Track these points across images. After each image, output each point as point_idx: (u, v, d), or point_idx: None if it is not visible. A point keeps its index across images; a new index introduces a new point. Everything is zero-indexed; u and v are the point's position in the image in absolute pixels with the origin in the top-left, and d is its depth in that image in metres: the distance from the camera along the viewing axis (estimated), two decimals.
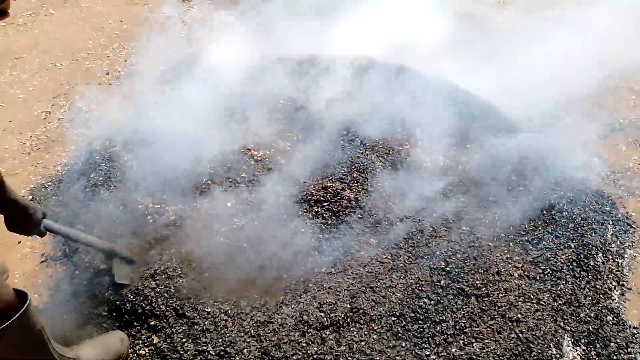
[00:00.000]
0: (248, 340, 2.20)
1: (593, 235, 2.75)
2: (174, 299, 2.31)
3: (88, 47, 4.35)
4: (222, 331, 2.22)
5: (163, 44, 4.30)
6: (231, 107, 3.40)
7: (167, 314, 2.28)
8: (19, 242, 2.74)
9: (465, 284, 2.45)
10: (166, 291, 2.34)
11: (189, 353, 2.19)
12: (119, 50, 4.33)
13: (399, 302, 2.36)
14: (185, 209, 2.70)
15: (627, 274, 2.71)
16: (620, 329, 2.45)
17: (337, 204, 2.75)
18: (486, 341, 2.28)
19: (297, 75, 3.70)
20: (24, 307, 1.72)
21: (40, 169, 3.19)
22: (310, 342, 2.20)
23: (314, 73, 3.70)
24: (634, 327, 2.47)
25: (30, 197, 2.97)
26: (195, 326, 2.25)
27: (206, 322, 2.25)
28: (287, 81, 3.61)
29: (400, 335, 2.28)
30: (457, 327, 2.32)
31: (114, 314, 2.36)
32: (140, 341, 2.28)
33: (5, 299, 1.72)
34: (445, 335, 2.29)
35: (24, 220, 1.88)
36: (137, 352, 2.27)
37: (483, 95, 3.69)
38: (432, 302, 2.38)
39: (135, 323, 2.31)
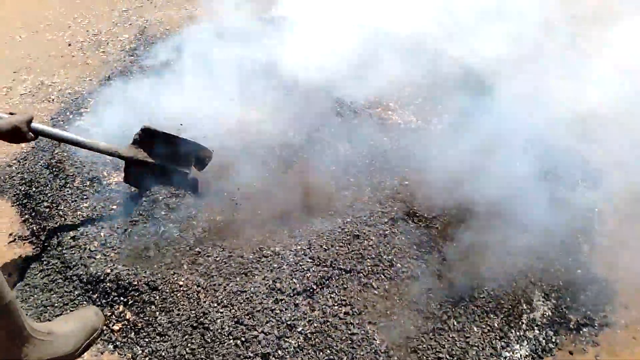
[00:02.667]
0: (221, 311, 2.20)
1: (563, 190, 2.77)
2: (146, 273, 2.29)
3: (48, 18, 4.18)
4: (195, 303, 2.22)
5: (127, 10, 4.15)
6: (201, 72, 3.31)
7: (139, 288, 2.26)
8: None
9: (439, 244, 2.46)
10: (137, 265, 2.32)
11: (162, 326, 2.19)
12: (81, 20, 4.17)
13: (374, 264, 2.37)
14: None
15: (596, 227, 2.75)
16: (589, 281, 2.50)
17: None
18: (457, 298, 2.30)
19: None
20: None
21: (4, 146, 3.09)
22: (283, 309, 2.21)
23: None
24: (602, 280, 2.52)
25: None
26: (169, 299, 2.24)
27: (179, 295, 2.24)
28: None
29: (368, 298, 2.29)
30: (429, 284, 2.34)
31: (86, 290, 2.34)
32: (113, 316, 2.27)
33: None
34: (417, 292, 2.31)
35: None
36: (111, 327, 2.26)
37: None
38: (406, 264, 2.39)
39: (107, 298, 2.29)
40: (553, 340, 2.30)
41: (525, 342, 2.26)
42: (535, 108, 3.19)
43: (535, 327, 2.31)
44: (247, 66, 3.33)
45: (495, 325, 2.25)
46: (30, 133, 2.14)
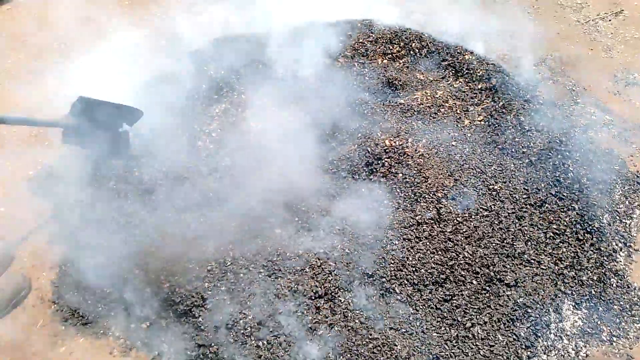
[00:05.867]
0: (245, 312, 2.23)
1: (599, 195, 2.66)
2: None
3: None
4: (220, 304, 2.26)
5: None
6: None
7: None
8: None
9: (461, 248, 2.42)
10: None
11: (186, 327, 2.25)
12: None
13: (398, 269, 2.35)
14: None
15: (634, 234, 2.63)
16: (625, 291, 2.40)
17: None
18: (481, 306, 2.26)
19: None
20: None
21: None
22: (304, 312, 2.22)
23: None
24: (639, 290, 2.41)
25: None
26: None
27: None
28: None
29: (391, 304, 2.27)
30: (453, 291, 2.30)
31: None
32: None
33: None
34: (441, 298, 2.28)
35: None
36: (140, 325, 2.33)
37: None
38: (429, 270, 2.36)
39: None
40: (583, 351, 2.22)
41: (553, 352, 2.19)
42: None
43: (564, 337, 2.23)
44: None
45: (522, 334, 2.19)
46: None
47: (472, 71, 3.44)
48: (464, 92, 3.31)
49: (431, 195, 2.57)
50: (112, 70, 3.25)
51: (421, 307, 2.25)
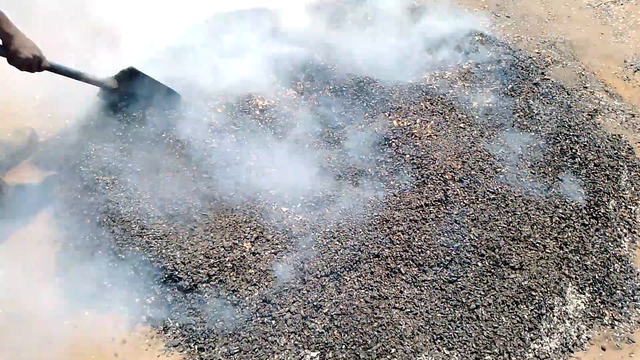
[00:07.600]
0: (250, 289, 2.24)
1: (606, 181, 2.66)
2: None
3: None
4: (226, 279, 2.26)
5: None
6: None
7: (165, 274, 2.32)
8: None
9: (467, 230, 2.42)
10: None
11: (192, 302, 2.25)
12: None
13: (404, 249, 2.35)
14: None
15: (639, 221, 2.63)
16: (628, 276, 2.41)
17: None
18: (486, 288, 2.27)
19: None
20: None
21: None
22: (310, 290, 2.23)
23: None
24: None
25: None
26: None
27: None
28: None
29: (396, 284, 2.28)
30: (458, 272, 2.31)
31: None
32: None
33: None
34: (446, 280, 2.29)
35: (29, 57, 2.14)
36: (145, 300, 2.33)
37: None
38: (439, 250, 2.36)
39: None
40: (585, 334, 2.24)
41: (556, 335, 2.21)
42: None
43: (567, 321, 2.25)
44: None
45: (525, 316, 2.21)
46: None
47: (481, 53, 3.42)
48: (473, 73, 3.28)
49: (438, 177, 2.56)
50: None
51: (426, 287, 2.26)
